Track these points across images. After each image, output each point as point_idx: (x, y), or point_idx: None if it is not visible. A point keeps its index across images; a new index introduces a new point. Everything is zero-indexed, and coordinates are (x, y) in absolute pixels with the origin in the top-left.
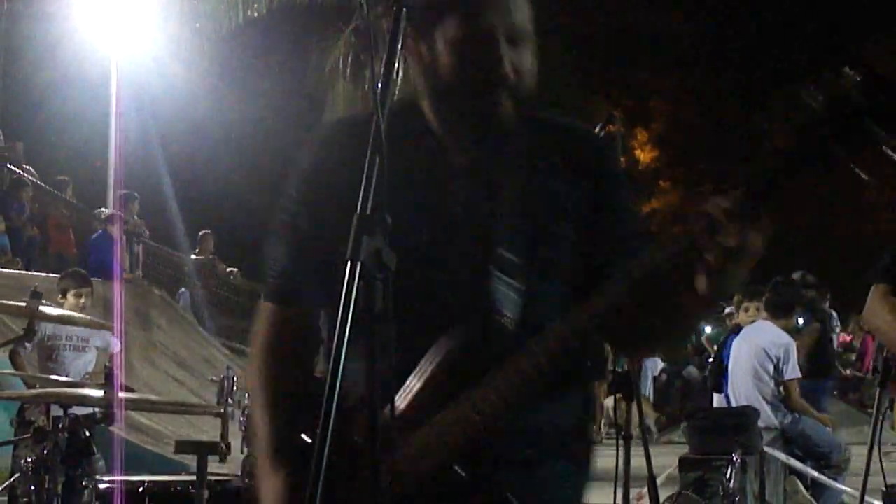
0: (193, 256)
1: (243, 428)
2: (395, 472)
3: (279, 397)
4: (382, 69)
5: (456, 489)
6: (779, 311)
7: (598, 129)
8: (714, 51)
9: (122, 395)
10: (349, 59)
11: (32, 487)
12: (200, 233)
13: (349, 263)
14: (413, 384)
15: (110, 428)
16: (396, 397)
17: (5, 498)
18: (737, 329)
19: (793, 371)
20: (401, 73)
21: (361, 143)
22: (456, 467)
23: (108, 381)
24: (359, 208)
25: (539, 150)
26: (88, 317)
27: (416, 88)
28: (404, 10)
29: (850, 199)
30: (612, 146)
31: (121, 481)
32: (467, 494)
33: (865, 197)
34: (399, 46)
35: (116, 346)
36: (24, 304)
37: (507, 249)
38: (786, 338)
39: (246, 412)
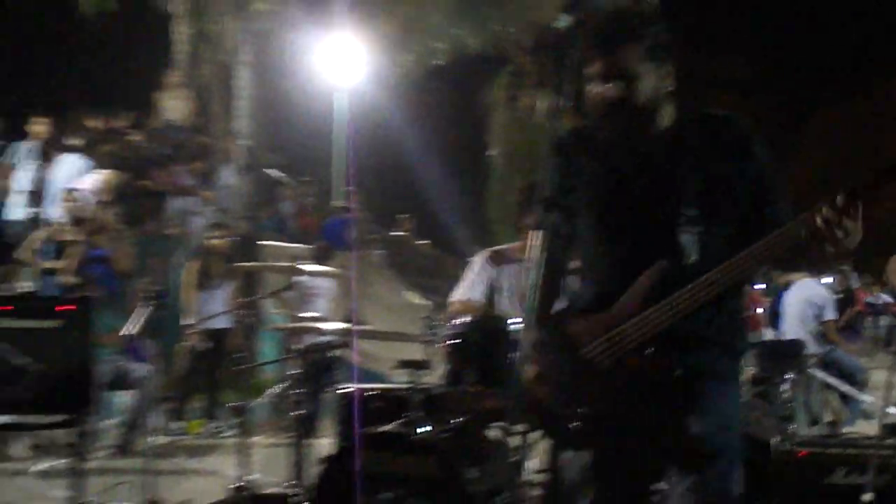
0: (396, 233)
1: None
2: (616, 348)
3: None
4: (561, 98)
5: (647, 362)
6: (816, 272)
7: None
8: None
9: (354, 327)
10: (506, 94)
11: (296, 392)
12: (401, 216)
13: (536, 233)
14: (628, 296)
15: (345, 351)
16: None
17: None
18: (787, 285)
19: (830, 314)
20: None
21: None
22: (649, 348)
23: (344, 318)
24: (544, 192)
25: (704, 139)
26: (331, 269)
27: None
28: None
29: None
30: (739, 127)
31: (356, 388)
32: (655, 368)
33: None
34: (567, 83)
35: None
36: (287, 265)
37: (688, 210)
38: (825, 291)
39: (448, 342)
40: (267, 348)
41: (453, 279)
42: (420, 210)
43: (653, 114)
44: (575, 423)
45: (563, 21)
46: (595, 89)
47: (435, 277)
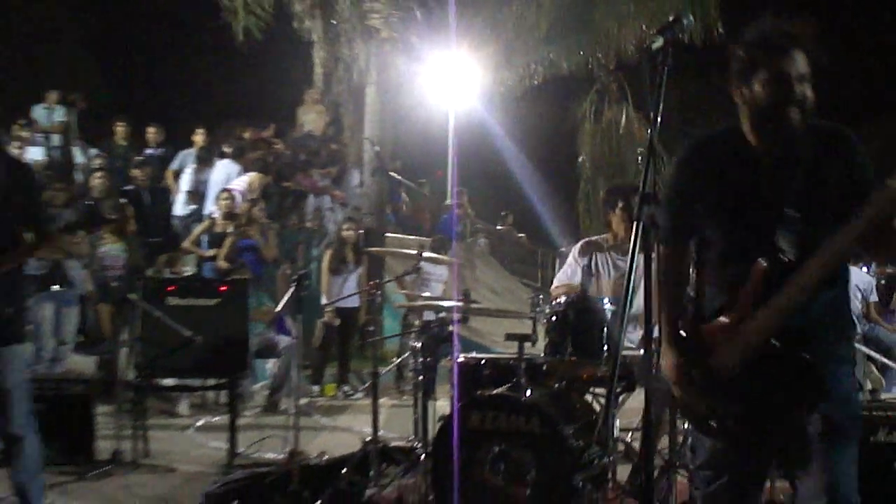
0: (499, 227)
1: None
2: (743, 347)
3: (676, 295)
4: (655, 109)
5: (774, 354)
6: (858, 261)
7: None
8: None
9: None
10: (592, 108)
11: (416, 361)
12: (503, 213)
13: (635, 223)
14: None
15: (458, 325)
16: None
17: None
18: None
19: (872, 296)
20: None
21: (714, 153)
22: (773, 341)
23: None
24: (642, 189)
25: (814, 147)
26: (444, 257)
27: (738, 117)
28: (665, 69)
29: None
30: (855, 139)
31: (467, 357)
32: (782, 358)
33: None
34: (661, 96)
35: (449, 279)
36: (414, 252)
37: (792, 212)
38: (867, 277)
39: (549, 318)
40: (390, 324)
41: (545, 267)
42: (519, 208)
43: (806, 120)
44: (715, 419)
45: (657, 42)
46: (766, 92)
47: (530, 265)
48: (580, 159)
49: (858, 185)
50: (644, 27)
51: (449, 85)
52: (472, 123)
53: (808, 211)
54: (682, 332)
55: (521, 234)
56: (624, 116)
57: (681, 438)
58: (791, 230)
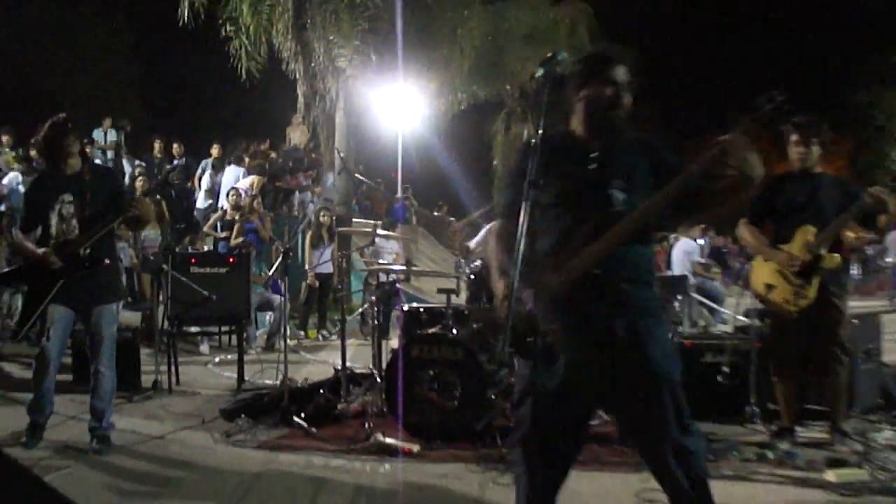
0: (436, 213)
1: (466, 283)
2: (567, 277)
3: (505, 249)
4: (539, 122)
5: (593, 283)
6: (693, 231)
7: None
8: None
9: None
10: (503, 126)
11: (374, 311)
12: (439, 203)
13: (523, 203)
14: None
15: (403, 284)
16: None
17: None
18: (675, 242)
19: (696, 257)
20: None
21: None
22: (595, 270)
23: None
24: (528, 176)
25: (631, 144)
26: (394, 234)
27: (570, 119)
28: (546, 90)
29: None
30: (662, 143)
31: (410, 307)
32: (600, 286)
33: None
34: (543, 109)
35: (398, 252)
36: (369, 229)
37: (618, 182)
38: (694, 244)
39: (469, 277)
40: (355, 285)
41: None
42: (450, 200)
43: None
44: (545, 336)
45: (539, 72)
46: (586, 101)
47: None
48: (494, 163)
49: (665, 169)
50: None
51: (398, 109)
52: (416, 138)
53: (627, 184)
54: (532, 264)
55: (451, 218)
56: (525, 131)
57: None
58: (617, 194)
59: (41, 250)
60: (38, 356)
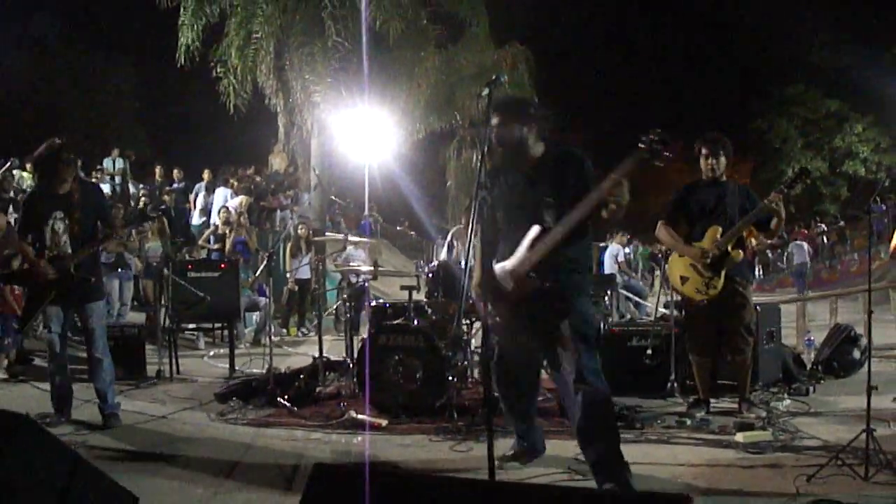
0: (398, 227)
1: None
2: (516, 277)
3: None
4: (483, 153)
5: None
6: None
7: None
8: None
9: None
10: (455, 152)
11: (346, 307)
12: (401, 219)
13: (477, 203)
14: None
15: (370, 284)
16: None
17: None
18: (605, 247)
19: (620, 257)
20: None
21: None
22: (532, 274)
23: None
24: (476, 187)
25: (544, 166)
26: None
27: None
28: (490, 107)
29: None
30: (575, 155)
31: (377, 303)
32: (539, 287)
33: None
34: (486, 147)
35: (366, 259)
36: (341, 238)
37: (545, 201)
38: (617, 246)
39: (427, 275)
40: (329, 286)
41: (426, 251)
42: (410, 215)
43: (524, 148)
44: (497, 321)
45: (485, 92)
46: (496, 136)
47: (417, 250)
48: (448, 184)
49: (584, 183)
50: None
51: (364, 138)
52: (381, 162)
53: (557, 198)
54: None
55: (412, 232)
56: (475, 156)
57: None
58: (546, 212)
59: (40, 261)
60: (47, 346)
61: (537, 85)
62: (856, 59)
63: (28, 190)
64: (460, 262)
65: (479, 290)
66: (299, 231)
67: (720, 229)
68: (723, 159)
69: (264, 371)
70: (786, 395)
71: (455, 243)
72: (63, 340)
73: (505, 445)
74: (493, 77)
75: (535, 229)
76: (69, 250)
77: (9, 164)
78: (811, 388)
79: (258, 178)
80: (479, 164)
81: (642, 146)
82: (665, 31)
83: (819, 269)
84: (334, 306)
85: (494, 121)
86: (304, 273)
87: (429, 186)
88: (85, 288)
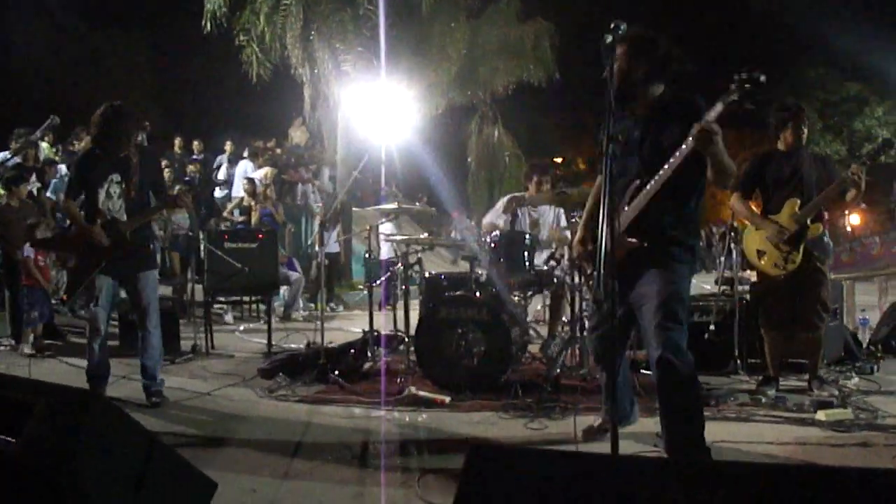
0: (417, 203)
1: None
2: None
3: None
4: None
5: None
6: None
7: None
8: None
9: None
10: (476, 128)
11: (399, 278)
12: (419, 195)
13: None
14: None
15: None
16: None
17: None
18: None
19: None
20: None
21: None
22: (631, 239)
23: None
24: (605, 140)
25: (658, 110)
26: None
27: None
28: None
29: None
30: (691, 103)
31: (431, 274)
32: (633, 247)
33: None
34: (613, 66)
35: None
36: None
37: (646, 149)
38: None
39: (490, 245)
40: (356, 266)
41: (447, 225)
42: (430, 191)
43: (642, 89)
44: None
45: (608, 39)
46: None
47: (434, 226)
48: (469, 160)
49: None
50: (508, 78)
51: (389, 112)
52: (404, 137)
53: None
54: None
55: (431, 208)
56: (496, 132)
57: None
58: (648, 163)
59: (93, 227)
60: (90, 320)
61: (559, 61)
62: (876, 43)
63: (79, 153)
64: (524, 233)
65: (580, 249)
66: (326, 207)
67: (798, 202)
68: (806, 128)
69: (302, 346)
70: (853, 374)
71: (519, 212)
72: (108, 315)
73: (583, 423)
74: (613, 25)
75: (635, 184)
76: (124, 217)
77: (50, 120)
78: (874, 367)
79: (279, 151)
80: (607, 112)
81: (732, 86)
82: (687, 12)
83: (839, 252)
84: (362, 287)
85: (619, 50)
86: (333, 247)
87: (448, 163)
88: (140, 256)
